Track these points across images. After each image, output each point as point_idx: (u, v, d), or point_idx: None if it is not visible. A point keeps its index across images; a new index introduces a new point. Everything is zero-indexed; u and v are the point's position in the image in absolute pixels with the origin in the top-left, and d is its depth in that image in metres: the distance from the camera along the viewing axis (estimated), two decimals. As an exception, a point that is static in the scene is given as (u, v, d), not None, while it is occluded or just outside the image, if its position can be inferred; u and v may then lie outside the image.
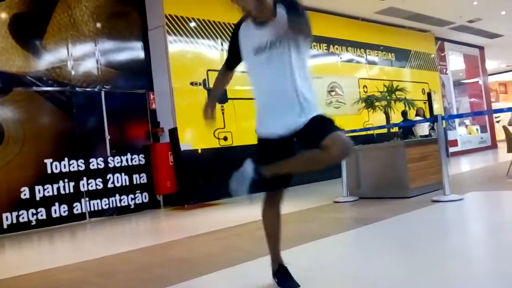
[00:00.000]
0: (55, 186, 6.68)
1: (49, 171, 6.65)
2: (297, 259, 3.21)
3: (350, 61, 11.60)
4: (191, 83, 8.04)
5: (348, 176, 6.15)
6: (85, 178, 6.98)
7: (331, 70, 11.01)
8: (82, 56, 7.36)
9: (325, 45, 10.97)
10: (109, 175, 7.27)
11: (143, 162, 7.70)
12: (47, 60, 6.96)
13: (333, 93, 10.87)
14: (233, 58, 2.47)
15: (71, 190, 6.82)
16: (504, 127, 7.93)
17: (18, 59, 6.66)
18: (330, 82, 10.84)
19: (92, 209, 7.02)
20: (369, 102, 6.65)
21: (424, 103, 13.69)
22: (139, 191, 7.58)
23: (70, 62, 7.17)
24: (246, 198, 2.36)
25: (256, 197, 2.44)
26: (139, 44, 8.10)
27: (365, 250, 3.38)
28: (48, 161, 6.66)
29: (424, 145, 6.04)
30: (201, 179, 7.87)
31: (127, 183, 7.46)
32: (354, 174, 6.09)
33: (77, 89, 7.19)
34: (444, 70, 15.45)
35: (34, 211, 6.45)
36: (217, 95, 2.77)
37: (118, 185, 7.34)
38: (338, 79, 11.05)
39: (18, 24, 6.70)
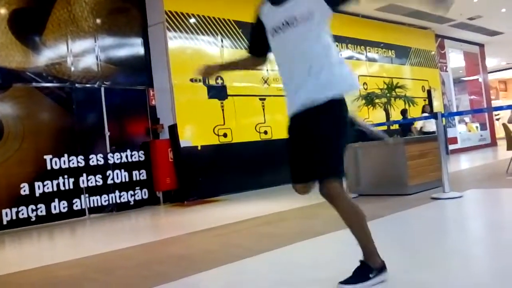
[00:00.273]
0: (55, 182, 6.67)
1: (48, 167, 6.64)
2: (298, 255, 3.22)
3: (350, 58, 11.57)
4: (191, 80, 8.03)
5: (347, 173, 6.15)
6: (84, 174, 6.97)
7: (331, 67, 10.97)
8: (82, 52, 7.33)
9: (325, 42, 10.93)
10: (109, 172, 7.27)
11: (142, 158, 7.69)
12: (46, 56, 6.94)
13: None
14: (255, 42, 2.45)
15: (71, 186, 6.82)
16: (504, 125, 7.93)
17: (17, 55, 6.65)
18: (330, 79, 10.81)
19: (92, 205, 7.02)
20: (369, 99, 6.66)
21: (424, 100, 13.66)
22: (138, 188, 7.58)
23: (70, 58, 7.16)
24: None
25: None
26: (139, 40, 8.08)
27: (365, 247, 3.37)
28: (47, 157, 6.65)
29: (423, 142, 6.04)
30: (201, 175, 7.87)
31: (127, 180, 7.45)
32: (353, 171, 6.09)
33: (76, 85, 7.18)
34: (444, 68, 15.43)
35: (34, 207, 6.45)
36: (229, 67, 2.78)
37: (117, 181, 7.34)
38: (338, 76, 11.01)
39: (17, 20, 6.68)
